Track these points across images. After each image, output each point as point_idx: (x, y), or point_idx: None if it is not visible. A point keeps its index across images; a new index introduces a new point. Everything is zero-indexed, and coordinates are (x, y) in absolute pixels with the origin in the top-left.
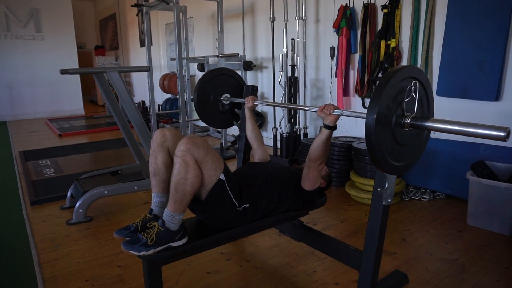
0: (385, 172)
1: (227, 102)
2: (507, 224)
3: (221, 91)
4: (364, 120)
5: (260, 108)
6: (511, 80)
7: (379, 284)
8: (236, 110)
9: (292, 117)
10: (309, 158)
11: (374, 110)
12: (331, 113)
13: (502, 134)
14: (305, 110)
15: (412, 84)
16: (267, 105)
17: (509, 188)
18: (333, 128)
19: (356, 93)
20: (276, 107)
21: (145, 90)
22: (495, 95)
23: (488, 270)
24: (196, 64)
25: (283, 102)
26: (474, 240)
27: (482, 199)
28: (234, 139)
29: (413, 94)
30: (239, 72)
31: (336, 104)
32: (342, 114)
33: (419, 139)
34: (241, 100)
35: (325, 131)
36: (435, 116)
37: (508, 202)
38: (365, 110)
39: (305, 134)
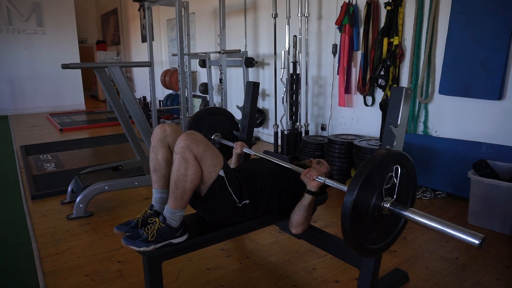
0: (362, 256)
1: (217, 143)
2: (508, 223)
3: (213, 131)
4: (366, 118)
5: (261, 104)
6: None
7: (379, 282)
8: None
9: (293, 114)
10: (290, 223)
11: (353, 192)
12: (314, 179)
13: (477, 242)
14: (288, 166)
15: (394, 170)
16: (254, 155)
17: (510, 187)
18: (315, 194)
19: (358, 90)
20: (277, 105)
21: (146, 85)
22: (498, 94)
23: (488, 269)
24: (197, 60)
25: (285, 98)
26: None
27: (483, 198)
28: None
29: (394, 179)
30: (241, 69)
31: (337, 102)
32: (324, 183)
33: (395, 224)
34: (230, 144)
35: (308, 197)
36: (438, 113)
37: (510, 201)
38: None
39: (306, 132)
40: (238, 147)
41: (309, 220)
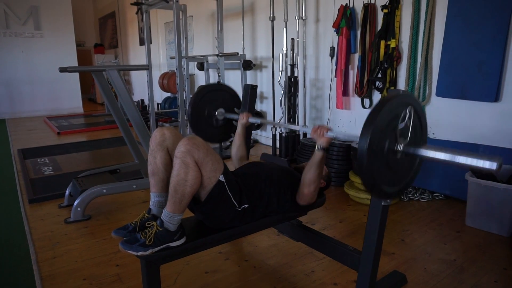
0: (378, 198)
1: (221, 118)
2: (506, 225)
3: (216, 106)
4: (362, 121)
5: (259, 107)
6: (511, 81)
7: (377, 285)
8: (234, 122)
9: (292, 116)
10: (303, 182)
11: (367, 135)
12: (324, 135)
13: (494, 164)
14: (297, 130)
15: (408, 110)
16: (261, 123)
17: (507, 189)
18: (326, 150)
19: (355, 93)
20: (275, 107)
21: (144, 88)
22: (495, 96)
23: (486, 271)
24: (195, 63)
25: (283, 101)
26: (472, 241)
27: (480, 200)
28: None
29: (407, 121)
30: (239, 72)
31: (335, 104)
32: (335, 137)
33: (411, 166)
34: (235, 116)
35: (318, 153)
36: (435, 115)
37: (507, 203)
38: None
39: (304, 134)
40: (244, 117)
41: (320, 179)
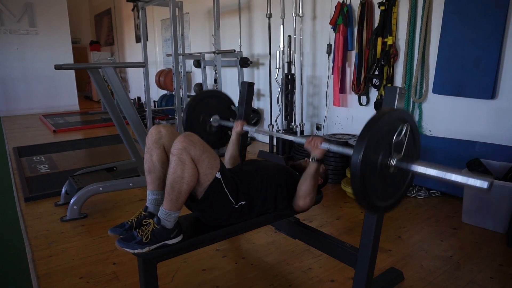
0: (370, 213)
1: (216, 124)
2: (502, 222)
3: (211, 113)
4: (361, 118)
5: (256, 104)
6: (507, 78)
7: (374, 281)
8: (229, 132)
9: (289, 114)
10: (298, 194)
11: (361, 148)
12: (318, 147)
13: (485, 183)
14: (292, 140)
15: (405, 126)
16: (256, 132)
17: (503, 186)
18: (320, 161)
19: (352, 90)
20: (272, 104)
21: (141, 86)
22: (491, 93)
23: (482, 267)
24: (192, 60)
25: (280, 98)
26: (468, 237)
27: (477, 196)
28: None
29: (402, 136)
30: (236, 69)
31: (332, 102)
32: (329, 149)
33: (403, 181)
34: (230, 124)
35: (313, 165)
36: (432, 112)
37: (503, 200)
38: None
39: (301, 131)
40: (238, 125)
41: (315, 191)
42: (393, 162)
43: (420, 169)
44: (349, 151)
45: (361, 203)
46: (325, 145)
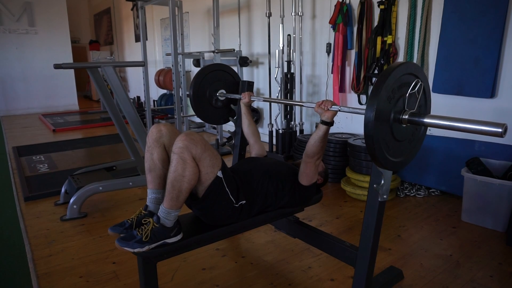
0: (382, 167)
1: (223, 98)
2: (501, 220)
3: (217, 87)
4: (361, 117)
5: (256, 104)
6: (506, 77)
7: (374, 280)
8: (232, 106)
9: (288, 113)
10: (306, 153)
11: (373, 104)
12: (328, 109)
13: (499, 130)
14: (302, 106)
15: (415, 80)
16: (264, 101)
17: (503, 184)
18: (330, 124)
19: (352, 89)
20: (272, 104)
21: (140, 85)
22: (490, 92)
23: (482, 266)
24: (191, 59)
25: (279, 98)
26: (468, 236)
27: (476, 195)
28: (229, 135)
29: (415, 91)
30: (235, 68)
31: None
32: (339, 110)
33: (416, 136)
34: (237, 96)
35: (322, 127)
36: (431, 111)
37: (502, 199)
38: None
39: (301, 131)
40: (246, 96)
41: (323, 151)
42: (406, 116)
43: (433, 121)
44: (360, 111)
45: (375, 160)
46: (335, 107)
